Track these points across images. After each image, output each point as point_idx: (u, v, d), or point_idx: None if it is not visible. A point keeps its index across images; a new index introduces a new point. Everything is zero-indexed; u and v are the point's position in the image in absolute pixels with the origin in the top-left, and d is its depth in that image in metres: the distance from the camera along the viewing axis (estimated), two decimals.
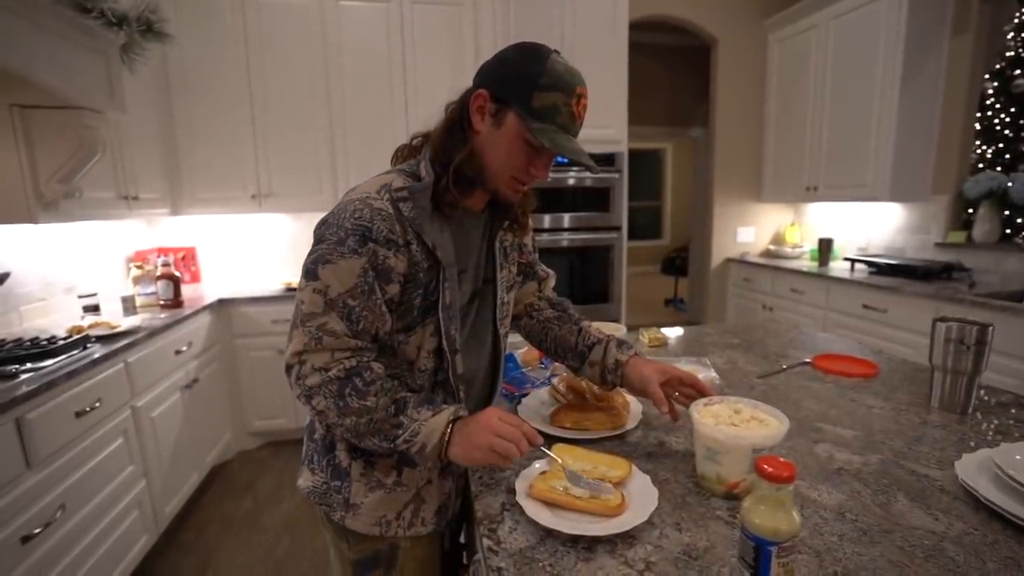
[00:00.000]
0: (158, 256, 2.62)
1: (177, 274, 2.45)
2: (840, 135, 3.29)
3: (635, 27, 3.30)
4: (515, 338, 1.24)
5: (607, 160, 3.04)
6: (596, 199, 3.08)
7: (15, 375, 1.48)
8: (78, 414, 1.60)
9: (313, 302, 0.79)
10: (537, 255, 1.18)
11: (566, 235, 3.09)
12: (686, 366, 1.37)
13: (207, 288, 3.03)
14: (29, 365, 1.55)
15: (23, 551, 1.36)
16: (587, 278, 3.16)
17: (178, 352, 2.25)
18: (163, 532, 2.06)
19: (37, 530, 1.40)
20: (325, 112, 2.97)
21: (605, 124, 3.01)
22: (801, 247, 3.90)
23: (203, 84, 2.81)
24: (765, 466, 0.60)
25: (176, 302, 2.44)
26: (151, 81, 2.63)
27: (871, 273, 3.03)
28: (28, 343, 1.73)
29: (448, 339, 0.88)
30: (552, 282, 1.20)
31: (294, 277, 3.22)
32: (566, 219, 3.08)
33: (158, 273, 2.42)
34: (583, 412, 1.05)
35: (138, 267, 2.49)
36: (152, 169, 2.62)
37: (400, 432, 0.79)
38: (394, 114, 3.03)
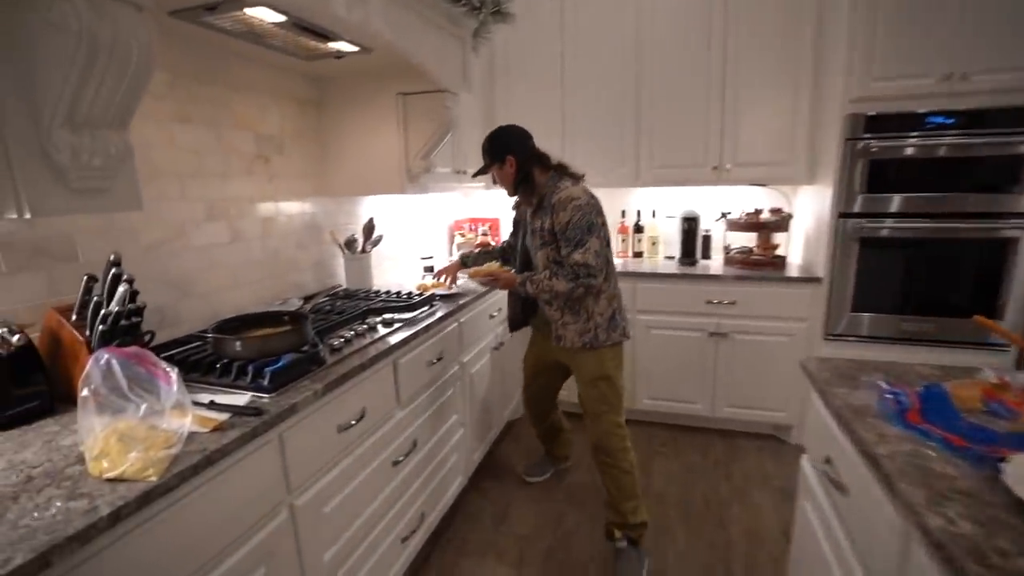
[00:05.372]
0: (476, 225, 2.91)
1: (492, 242, 2.67)
2: None
3: None
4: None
5: (1017, 115, 2.13)
6: (992, 173, 2.23)
7: (392, 323, 1.75)
8: (429, 363, 1.82)
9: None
10: None
11: (928, 222, 2.33)
12: None
13: None
14: (397, 315, 1.83)
15: (393, 471, 1.61)
16: (956, 281, 2.34)
17: (491, 316, 2.45)
18: (470, 476, 2.30)
19: (400, 458, 1.64)
20: (633, 100, 2.86)
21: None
22: None
23: (522, 66, 2.97)
24: None
25: None
26: (482, 64, 2.87)
27: None
28: (394, 296, 2.06)
29: None
30: None
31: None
32: (930, 200, 2.32)
33: (477, 241, 2.67)
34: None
35: (461, 235, 2.80)
36: (476, 146, 2.88)
37: None
38: (709, 101, 2.75)
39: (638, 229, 3.20)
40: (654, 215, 3.21)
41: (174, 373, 0.94)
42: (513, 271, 1.97)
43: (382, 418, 1.56)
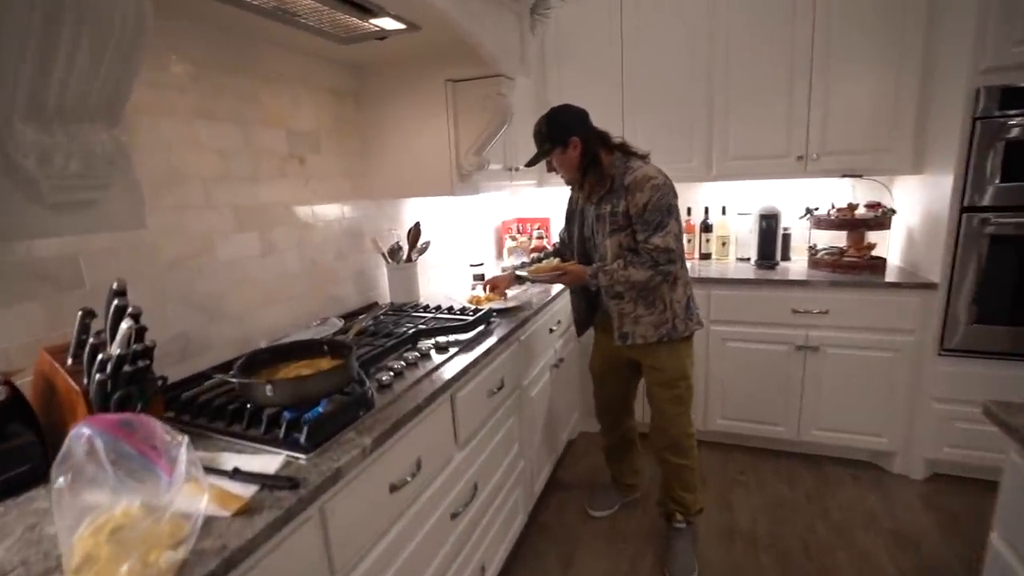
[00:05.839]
0: (526, 226, 2.64)
1: (549, 247, 2.39)
2: None
3: None
4: None
5: None
6: None
7: (446, 348, 1.50)
8: (490, 393, 1.57)
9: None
10: None
11: None
12: None
13: None
14: (453, 338, 1.57)
15: (452, 525, 1.37)
16: None
17: (551, 331, 2.18)
18: (530, 511, 2.04)
19: (460, 508, 1.39)
20: (704, 83, 2.52)
21: None
22: None
23: (577, 46, 2.67)
24: None
25: None
26: (535, 45, 2.59)
27: None
28: (446, 312, 1.81)
29: None
30: None
31: None
32: None
33: (531, 246, 2.40)
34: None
35: (512, 238, 2.53)
36: (528, 139, 2.61)
37: None
38: (794, 80, 2.39)
39: (706, 228, 2.87)
40: (724, 212, 2.87)
41: (183, 446, 0.71)
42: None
43: (440, 465, 1.31)
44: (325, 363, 1.20)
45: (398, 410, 1.12)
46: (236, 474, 0.85)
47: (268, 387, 0.99)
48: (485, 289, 2.00)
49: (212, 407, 1.06)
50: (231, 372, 1.07)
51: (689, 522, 1.93)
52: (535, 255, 2.08)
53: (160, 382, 0.94)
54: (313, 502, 0.86)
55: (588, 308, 1.93)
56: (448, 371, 1.35)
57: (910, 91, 2.24)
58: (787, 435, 2.50)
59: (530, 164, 1.77)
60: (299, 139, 1.66)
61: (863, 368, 2.30)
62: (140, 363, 0.87)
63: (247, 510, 0.79)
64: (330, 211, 1.82)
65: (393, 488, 1.09)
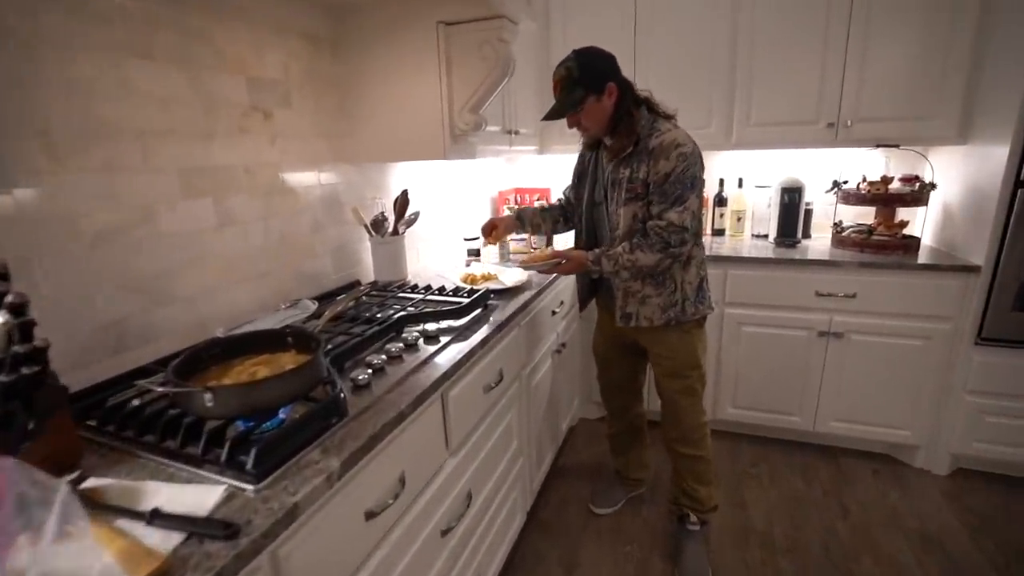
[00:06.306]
0: (525, 196, 2.40)
1: (554, 202, 2.16)
2: None
3: None
4: None
5: None
6: None
7: (436, 336, 1.29)
8: (487, 388, 1.37)
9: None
10: None
11: None
12: None
13: None
14: (445, 324, 1.36)
15: (443, 543, 1.18)
16: None
17: (553, 312, 1.97)
18: (528, 509, 1.87)
19: (452, 523, 1.20)
20: (727, 37, 2.25)
21: None
22: None
23: (582, 2, 2.39)
24: None
25: None
26: None
27: None
28: (436, 293, 1.60)
29: None
30: None
31: None
32: None
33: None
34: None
35: (509, 210, 2.29)
36: (532, 96, 2.35)
37: None
38: (828, 38, 2.13)
39: (720, 202, 2.64)
40: (740, 184, 2.64)
41: (58, 495, 0.50)
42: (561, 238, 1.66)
43: (427, 478, 1.12)
44: (288, 358, 0.99)
45: (377, 418, 0.91)
46: (155, 518, 0.64)
47: (207, 396, 0.77)
48: (484, 235, 1.83)
49: (143, 417, 0.85)
50: (161, 375, 0.85)
51: (703, 522, 1.78)
52: (539, 205, 1.90)
53: (63, 391, 0.73)
54: (258, 553, 0.66)
55: (592, 280, 1.74)
56: (439, 365, 1.14)
57: (962, 49, 1.99)
58: (802, 426, 2.34)
59: (552, 117, 1.48)
60: (264, 90, 1.41)
61: (891, 357, 2.12)
62: (24, 370, 0.65)
63: (166, 571, 0.59)
64: (303, 176, 1.57)
65: (370, 515, 0.89)
